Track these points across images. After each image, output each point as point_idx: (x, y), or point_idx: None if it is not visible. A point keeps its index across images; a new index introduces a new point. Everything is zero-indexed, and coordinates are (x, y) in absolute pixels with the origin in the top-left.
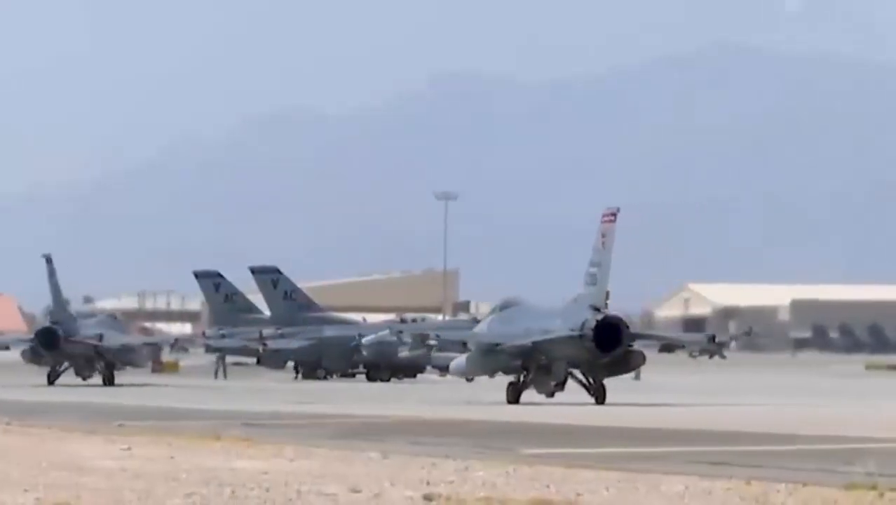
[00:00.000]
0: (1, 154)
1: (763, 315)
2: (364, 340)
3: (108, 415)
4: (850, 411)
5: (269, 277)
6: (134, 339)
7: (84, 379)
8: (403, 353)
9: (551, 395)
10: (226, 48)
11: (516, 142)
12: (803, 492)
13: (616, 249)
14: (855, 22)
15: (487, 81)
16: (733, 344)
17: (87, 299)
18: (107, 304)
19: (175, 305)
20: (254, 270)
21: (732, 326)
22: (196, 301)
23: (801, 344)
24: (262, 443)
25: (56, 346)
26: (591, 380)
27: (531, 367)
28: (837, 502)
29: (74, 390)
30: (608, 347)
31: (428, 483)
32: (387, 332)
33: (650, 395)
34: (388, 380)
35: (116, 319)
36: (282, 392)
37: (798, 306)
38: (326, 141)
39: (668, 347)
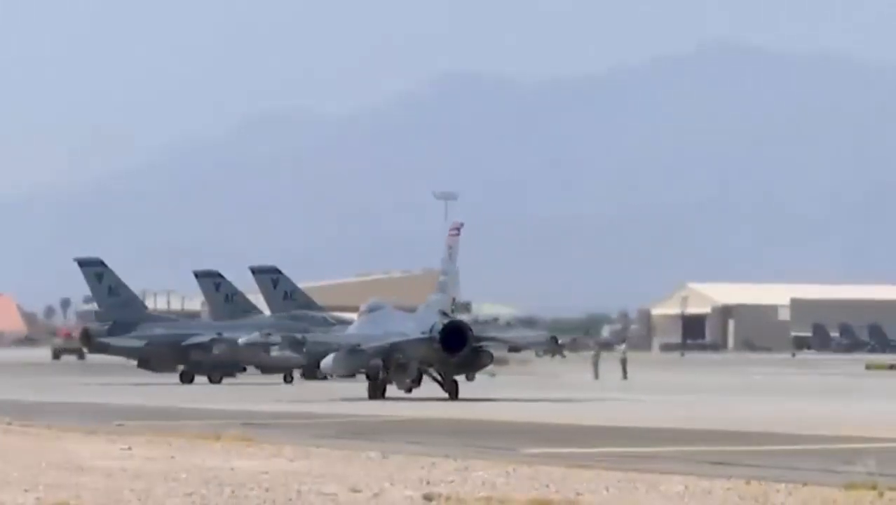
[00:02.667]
0: (1, 154)
1: (763, 314)
2: (240, 341)
3: (108, 415)
4: (850, 411)
5: (269, 276)
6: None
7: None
8: (274, 353)
9: (409, 390)
10: (226, 48)
11: (516, 142)
12: (803, 492)
13: (616, 249)
14: (855, 22)
15: (487, 81)
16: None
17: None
18: None
19: (175, 305)
20: (254, 270)
21: (731, 325)
22: (196, 301)
23: (800, 343)
24: (262, 443)
25: (92, 346)
26: (443, 377)
27: (390, 365)
28: (837, 502)
29: (105, 389)
30: (454, 348)
31: (428, 483)
32: (257, 334)
33: (639, 393)
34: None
35: (290, 319)
36: (282, 392)
37: (798, 306)
38: (326, 141)
39: (514, 347)
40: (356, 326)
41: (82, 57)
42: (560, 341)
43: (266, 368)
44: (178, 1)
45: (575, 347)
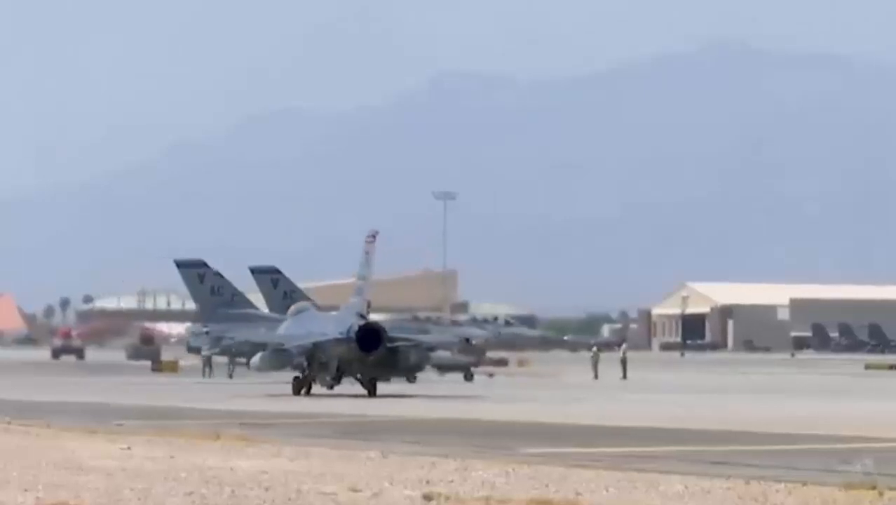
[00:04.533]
0: (1, 155)
1: (763, 314)
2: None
3: (107, 414)
4: (850, 411)
5: (269, 276)
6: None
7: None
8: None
9: (331, 387)
10: (226, 48)
11: (516, 142)
12: (803, 491)
13: (616, 249)
14: (854, 22)
15: (487, 81)
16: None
17: (87, 299)
18: (107, 303)
19: (175, 305)
20: (254, 270)
21: (731, 325)
22: None
23: (800, 343)
24: (261, 443)
25: (191, 346)
26: (362, 375)
27: (313, 364)
28: (837, 502)
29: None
30: (370, 348)
31: (427, 482)
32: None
33: (638, 393)
34: (389, 380)
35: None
36: (281, 392)
37: (798, 305)
38: (326, 141)
39: (430, 348)
40: (284, 328)
41: (81, 58)
42: (473, 342)
43: None
44: (178, 1)
45: (574, 346)
